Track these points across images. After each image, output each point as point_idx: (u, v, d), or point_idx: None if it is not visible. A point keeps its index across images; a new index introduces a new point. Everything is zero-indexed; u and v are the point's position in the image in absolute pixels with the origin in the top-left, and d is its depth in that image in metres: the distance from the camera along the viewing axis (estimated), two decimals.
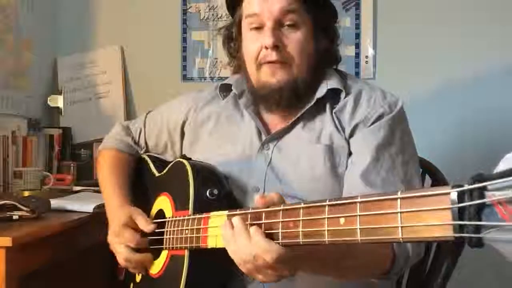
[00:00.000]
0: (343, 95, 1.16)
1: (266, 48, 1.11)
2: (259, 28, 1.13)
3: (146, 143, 1.41)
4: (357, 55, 2.27)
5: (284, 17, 1.11)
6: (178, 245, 1.05)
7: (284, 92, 1.13)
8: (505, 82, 2.15)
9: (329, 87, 1.16)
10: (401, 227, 0.60)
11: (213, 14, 2.38)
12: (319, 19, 1.16)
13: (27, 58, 2.25)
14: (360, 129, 1.12)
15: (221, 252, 0.88)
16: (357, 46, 2.27)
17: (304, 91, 1.15)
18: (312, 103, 1.16)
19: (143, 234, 1.16)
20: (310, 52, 1.15)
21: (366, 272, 1.00)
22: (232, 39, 1.25)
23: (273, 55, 1.12)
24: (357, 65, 2.27)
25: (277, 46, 1.11)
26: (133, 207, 1.21)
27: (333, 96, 1.17)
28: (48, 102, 2.36)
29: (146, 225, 1.13)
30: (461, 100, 2.19)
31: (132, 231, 1.14)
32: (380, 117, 1.12)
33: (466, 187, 0.53)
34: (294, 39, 1.12)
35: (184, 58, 2.41)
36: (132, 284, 1.27)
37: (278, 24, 1.12)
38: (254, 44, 1.14)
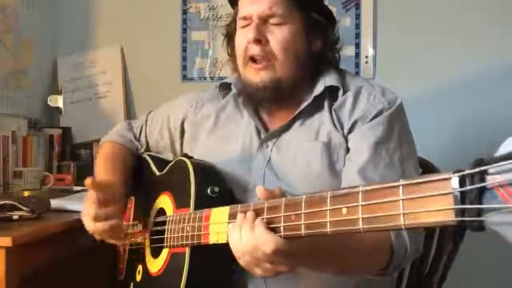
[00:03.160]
0: (341, 92, 1.16)
1: (251, 42, 1.13)
2: (247, 25, 1.15)
3: (146, 141, 1.42)
4: (357, 55, 2.27)
5: (270, 16, 1.13)
6: (179, 243, 1.05)
7: (267, 92, 1.14)
8: (505, 82, 2.15)
9: (326, 85, 1.16)
10: (403, 214, 0.61)
11: (213, 14, 2.38)
12: (312, 19, 1.16)
13: (27, 58, 2.25)
14: (359, 126, 1.12)
15: (222, 249, 0.89)
16: (357, 46, 2.27)
17: (288, 91, 1.15)
18: (310, 101, 1.16)
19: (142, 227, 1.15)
20: (298, 50, 1.15)
21: (364, 268, 1.00)
22: (231, 36, 1.25)
23: (256, 49, 1.13)
24: (357, 65, 2.27)
25: (260, 40, 1.12)
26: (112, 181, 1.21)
27: (331, 93, 1.17)
28: (48, 102, 2.36)
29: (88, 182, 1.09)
30: (461, 100, 2.19)
31: (92, 201, 1.11)
32: (378, 114, 1.12)
33: (467, 171, 0.54)
34: (278, 34, 1.13)
35: (184, 58, 2.41)
36: (132, 284, 1.27)
37: (264, 21, 1.13)
38: (242, 39, 1.16)
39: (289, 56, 1.13)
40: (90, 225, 1.14)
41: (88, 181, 1.08)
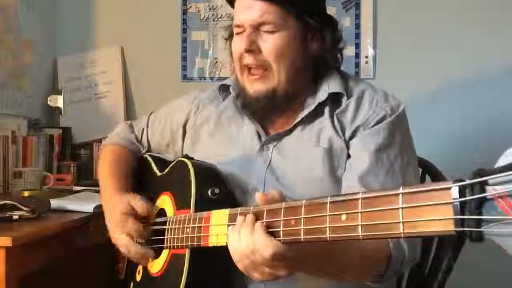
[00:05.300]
0: (344, 98, 1.16)
1: (243, 52, 1.13)
2: (241, 33, 1.15)
3: (148, 142, 1.41)
4: (357, 55, 2.27)
5: (261, 23, 1.12)
6: (179, 244, 1.05)
7: (260, 103, 1.14)
8: (505, 82, 2.16)
9: (330, 91, 1.16)
10: (403, 222, 0.61)
11: (213, 14, 2.38)
12: (307, 24, 1.15)
13: (27, 58, 2.25)
14: (361, 132, 1.11)
15: (222, 251, 0.89)
16: (357, 46, 2.27)
17: (284, 100, 1.15)
18: (313, 107, 1.16)
19: (145, 224, 1.16)
20: (294, 56, 1.14)
21: (362, 273, 1.00)
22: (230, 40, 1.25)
23: (249, 59, 1.13)
24: (357, 65, 2.27)
25: (252, 50, 1.12)
26: (129, 193, 1.20)
27: (334, 99, 1.16)
28: (48, 102, 2.36)
29: (141, 207, 1.13)
30: (461, 100, 2.19)
31: (134, 220, 1.13)
32: (381, 120, 1.11)
33: (467, 181, 0.54)
34: (270, 42, 1.12)
35: (184, 58, 2.41)
36: (132, 284, 1.27)
37: (256, 29, 1.12)
38: (236, 48, 1.16)
39: (284, 64, 1.13)
40: (127, 243, 1.13)
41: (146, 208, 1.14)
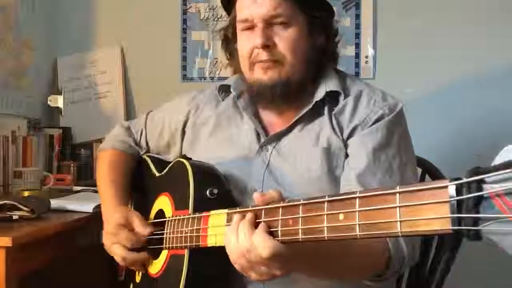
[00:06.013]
0: (341, 97, 1.15)
1: (258, 48, 1.11)
2: (251, 28, 1.13)
3: (147, 144, 1.40)
4: (357, 55, 2.27)
5: (274, 17, 1.11)
6: (178, 245, 1.05)
7: (276, 90, 1.13)
8: (505, 82, 2.16)
9: (328, 90, 1.15)
10: (400, 221, 0.61)
11: (213, 14, 2.38)
12: (314, 16, 1.15)
13: (27, 58, 2.25)
14: (359, 131, 1.11)
15: (221, 252, 0.88)
16: (357, 46, 2.27)
17: (296, 89, 1.14)
18: (311, 106, 1.15)
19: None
20: (305, 49, 1.14)
21: (361, 274, 0.99)
22: (229, 40, 1.25)
23: (264, 55, 1.12)
24: (357, 65, 2.27)
25: (268, 46, 1.11)
26: (130, 209, 1.21)
27: (332, 98, 1.16)
28: (48, 102, 2.36)
29: (142, 229, 1.13)
30: (461, 100, 2.19)
31: (128, 232, 1.13)
32: (379, 119, 1.11)
33: (464, 180, 0.54)
34: (285, 37, 1.11)
35: (184, 58, 2.41)
36: (132, 284, 1.27)
37: (269, 24, 1.11)
38: (246, 44, 1.14)
39: (298, 57, 1.12)
40: (122, 253, 1.13)
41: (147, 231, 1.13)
